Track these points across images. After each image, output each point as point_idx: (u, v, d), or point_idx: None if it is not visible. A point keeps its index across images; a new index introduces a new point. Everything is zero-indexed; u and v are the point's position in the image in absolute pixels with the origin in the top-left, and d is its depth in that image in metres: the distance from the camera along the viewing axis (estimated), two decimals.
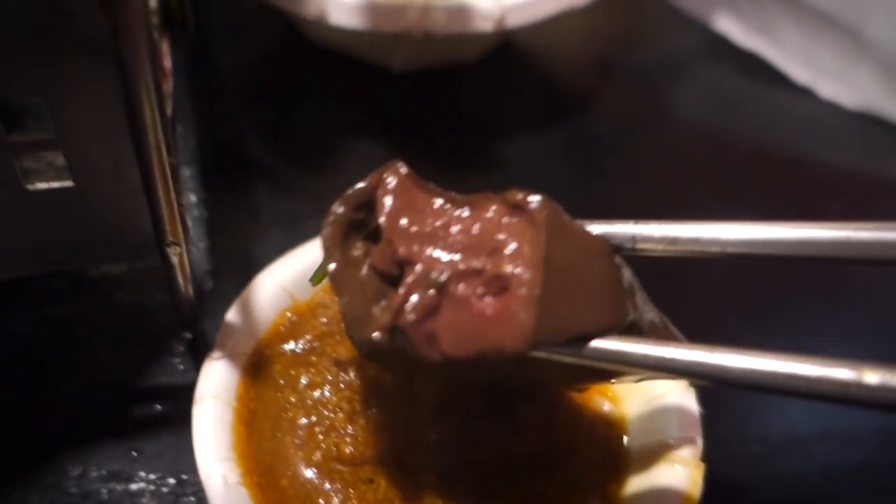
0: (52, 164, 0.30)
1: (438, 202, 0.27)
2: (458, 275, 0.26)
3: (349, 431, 0.32)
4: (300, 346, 0.35)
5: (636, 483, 0.31)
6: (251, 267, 0.42)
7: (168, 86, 0.37)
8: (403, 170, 0.28)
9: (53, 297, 0.41)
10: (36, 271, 0.32)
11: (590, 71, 0.64)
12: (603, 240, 0.27)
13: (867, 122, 0.60)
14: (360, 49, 0.56)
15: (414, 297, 0.26)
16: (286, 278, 0.36)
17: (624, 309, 0.26)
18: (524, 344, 0.24)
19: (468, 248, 0.26)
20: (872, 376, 0.20)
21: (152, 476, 0.35)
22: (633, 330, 0.27)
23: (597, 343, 0.25)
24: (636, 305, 0.27)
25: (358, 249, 0.28)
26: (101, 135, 0.28)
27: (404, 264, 0.27)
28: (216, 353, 0.33)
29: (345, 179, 0.50)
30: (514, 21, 0.51)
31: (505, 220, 0.26)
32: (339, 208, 0.28)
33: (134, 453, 0.36)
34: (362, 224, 0.28)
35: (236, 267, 0.44)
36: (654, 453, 0.32)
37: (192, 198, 0.47)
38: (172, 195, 0.30)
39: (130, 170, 0.29)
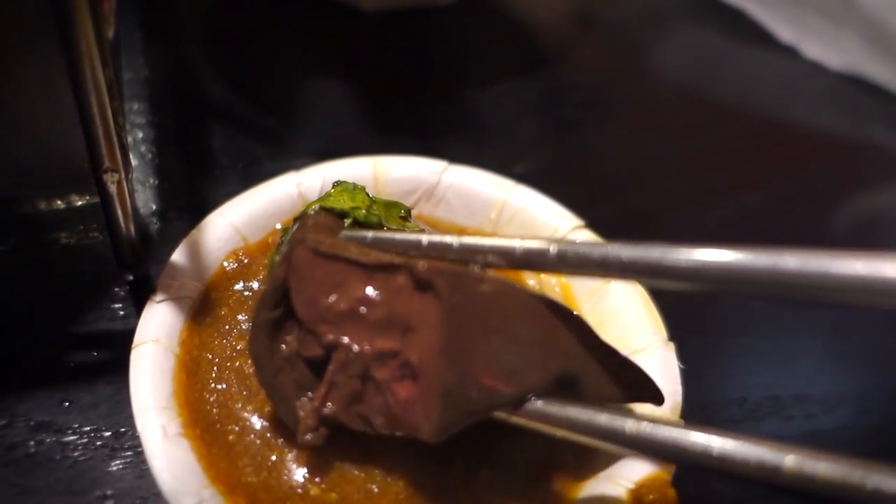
0: None
1: (351, 276, 0.26)
2: (376, 357, 0.25)
3: None
4: (250, 288, 0.32)
5: (606, 457, 0.29)
6: (202, 209, 0.39)
7: (110, 2, 0.34)
8: (308, 246, 0.27)
9: None
10: None
11: (568, 22, 0.62)
12: (530, 297, 0.25)
13: (851, 84, 0.59)
14: None
15: (337, 387, 0.26)
16: (238, 219, 0.33)
17: (548, 369, 0.25)
18: (433, 436, 0.24)
19: (383, 327, 0.25)
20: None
21: (86, 428, 0.32)
22: (566, 384, 0.25)
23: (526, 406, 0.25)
24: (570, 359, 0.25)
25: (287, 345, 0.27)
26: (29, 40, 0.25)
27: (329, 347, 0.26)
28: (159, 296, 0.30)
29: (307, 121, 0.48)
30: None
31: (414, 296, 0.25)
32: (260, 315, 0.27)
33: (66, 403, 0.33)
34: (287, 316, 0.27)
35: (186, 209, 0.41)
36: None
37: (140, 134, 0.44)
38: (109, 113, 0.27)
39: (62, 83, 0.26)
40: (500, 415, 0.25)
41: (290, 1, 0.54)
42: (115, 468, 0.31)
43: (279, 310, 0.27)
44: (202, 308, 0.31)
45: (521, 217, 0.36)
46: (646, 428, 0.21)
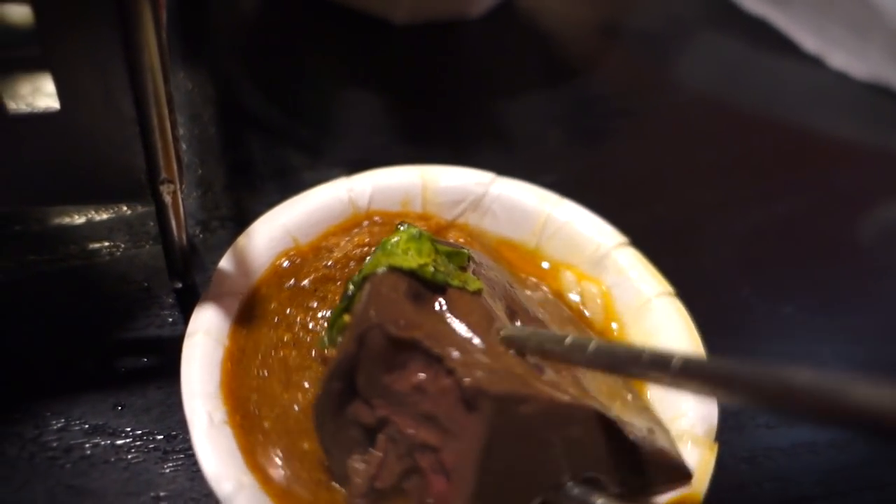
0: (40, 92, 0.28)
1: (413, 359, 0.26)
2: (419, 445, 0.26)
3: None
4: (300, 286, 0.33)
5: None
6: (243, 218, 0.41)
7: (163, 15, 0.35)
8: (382, 331, 0.27)
9: (34, 243, 0.38)
10: (15, 207, 0.30)
11: (595, 33, 0.62)
12: (569, 407, 0.25)
13: (876, 94, 0.59)
14: (361, 0, 0.53)
15: (389, 463, 0.27)
16: (290, 221, 0.34)
17: (577, 469, 0.26)
18: None
19: (428, 419, 0.26)
20: None
21: (139, 431, 0.33)
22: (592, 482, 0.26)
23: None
24: (601, 461, 0.26)
25: (350, 409, 0.28)
26: (92, 55, 0.26)
27: (380, 421, 0.27)
28: (213, 291, 0.31)
29: (341, 131, 0.49)
30: None
31: (459, 404, 0.25)
32: (330, 383, 0.28)
33: (119, 407, 0.34)
34: (352, 385, 0.28)
35: (228, 218, 0.42)
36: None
37: (183, 146, 0.45)
38: (168, 125, 0.28)
39: (122, 96, 0.27)
40: None
41: (324, 15, 0.55)
42: (167, 470, 0.32)
43: (348, 383, 0.28)
44: (252, 302, 0.32)
45: (565, 231, 0.36)
46: None
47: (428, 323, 0.27)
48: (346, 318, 0.29)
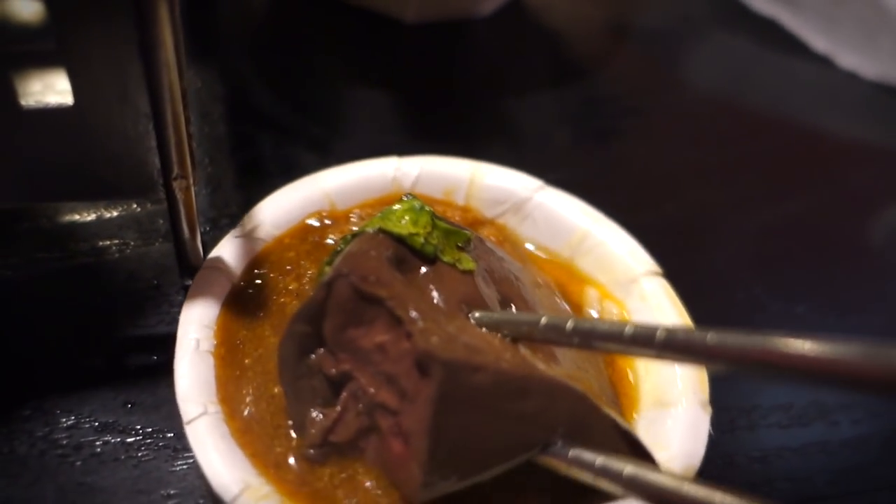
0: (53, 87, 0.28)
1: (379, 319, 0.27)
2: (381, 405, 0.26)
3: None
4: (323, 243, 0.34)
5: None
6: None
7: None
8: (350, 282, 0.27)
9: (45, 240, 0.38)
10: (26, 203, 0.30)
11: (603, 32, 0.62)
12: (527, 378, 0.25)
13: (886, 94, 0.59)
14: None
15: (347, 418, 0.27)
16: (331, 186, 0.36)
17: (538, 439, 0.26)
18: (415, 500, 0.25)
19: (389, 381, 0.26)
20: None
21: (149, 429, 0.33)
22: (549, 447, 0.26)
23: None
24: (559, 432, 0.26)
25: (316, 356, 0.28)
26: (107, 50, 0.26)
27: (346, 376, 0.27)
28: (236, 231, 0.33)
29: (350, 129, 0.49)
30: None
31: (414, 369, 0.25)
32: (294, 325, 0.28)
33: (129, 405, 0.33)
34: (318, 333, 0.28)
35: (238, 216, 0.41)
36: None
37: (194, 144, 0.44)
38: (182, 121, 0.27)
39: (137, 92, 0.27)
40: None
41: (333, 14, 0.55)
42: (178, 468, 0.32)
43: (312, 327, 0.28)
44: (272, 249, 0.33)
45: (600, 250, 0.35)
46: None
47: (399, 286, 0.27)
48: (328, 269, 0.29)
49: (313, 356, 0.28)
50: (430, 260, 0.29)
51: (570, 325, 0.24)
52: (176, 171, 0.29)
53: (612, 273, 0.35)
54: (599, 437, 0.26)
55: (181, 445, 0.32)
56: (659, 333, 0.21)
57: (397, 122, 0.50)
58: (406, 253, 0.29)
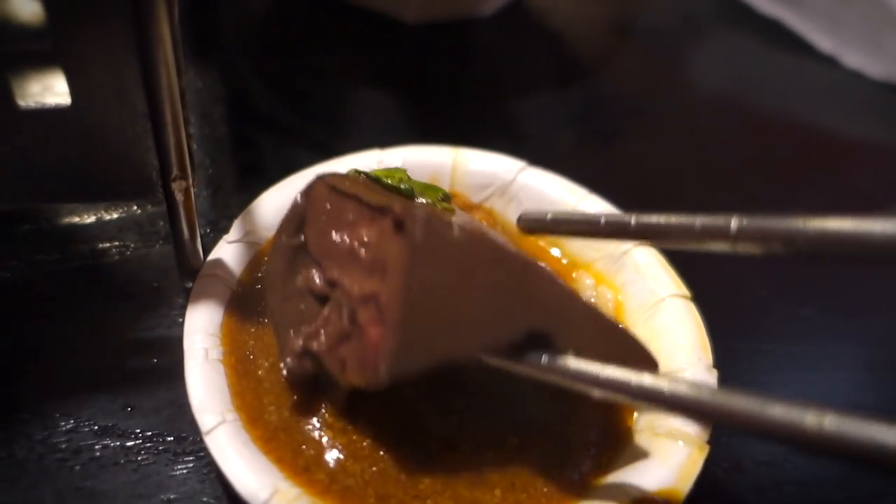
0: (51, 87, 0.28)
1: (359, 217, 0.27)
2: (362, 299, 0.25)
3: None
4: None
5: (632, 453, 0.29)
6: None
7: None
8: (326, 182, 0.28)
9: (44, 242, 0.38)
10: (25, 205, 0.30)
11: (607, 32, 0.62)
12: (504, 249, 0.25)
13: (891, 93, 0.58)
14: None
15: (329, 325, 0.27)
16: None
17: (517, 321, 0.25)
18: (385, 376, 0.24)
19: (371, 269, 0.25)
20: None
21: (149, 433, 0.32)
22: (541, 339, 0.25)
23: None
24: (544, 314, 0.25)
25: (302, 277, 0.28)
26: (105, 50, 0.26)
27: (332, 284, 0.27)
28: (231, 236, 0.33)
29: (351, 130, 0.49)
30: None
31: (393, 238, 0.25)
32: (279, 239, 0.29)
33: (129, 409, 0.33)
34: (303, 247, 0.29)
35: (237, 218, 0.41)
36: (659, 427, 0.29)
37: (193, 145, 0.44)
38: (181, 121, 0.27)
39: (135, 92, 0.27)
40: (527, 369, 0.25)
41: (334, 14, 0.55)
42: (178, 472, 0.31)
43: (297, 239, 0.28)
44: (266, 250, 0.34)
45: None
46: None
47: (372, 191, 0.27)
48: None
49: (299, 276, 0.28)
50: (406, 196, 0.29)
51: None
52: (175, 172, 0.29)
53: (604, 248, 0.35)
54: (584, 331, 0.26)
55: (181, 449, 0.32)
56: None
57: (399, 122, 0.49)
58: (380, 189, 0.29)
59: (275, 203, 0.35)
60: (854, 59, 0.59)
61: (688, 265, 0.34)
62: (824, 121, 0.57)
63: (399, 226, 0.24)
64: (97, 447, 0.32)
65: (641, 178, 0.50)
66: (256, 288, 0.33)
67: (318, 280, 0.28)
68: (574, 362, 0.24)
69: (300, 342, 0.27)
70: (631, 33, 0.62)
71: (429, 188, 0.31)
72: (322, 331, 0.27)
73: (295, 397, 0.30)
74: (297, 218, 0.28)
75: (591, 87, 0.56)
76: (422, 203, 0.27)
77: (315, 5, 0.55)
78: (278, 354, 0.30)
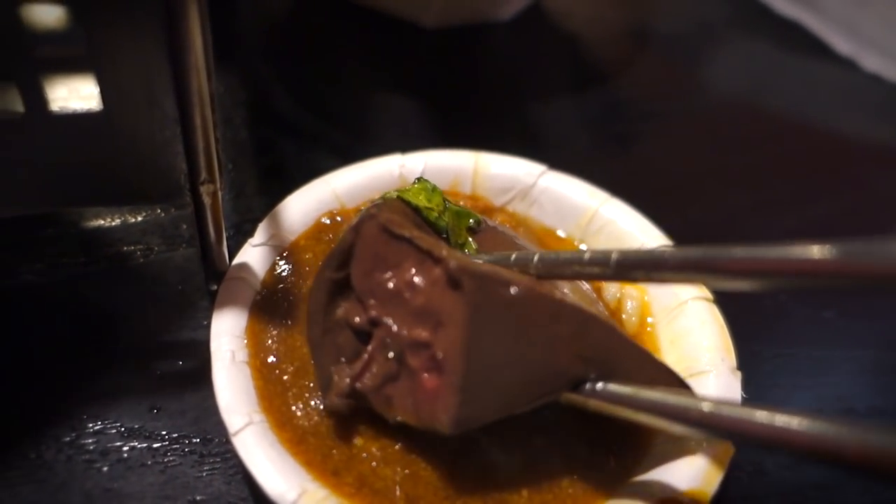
0: (82, 92, 0.28)
1: (407, 259, 0.27)
2: (412, 344, 0.26)
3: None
4: (336, 239, 0.34)
5: (657, 455, 0.29)
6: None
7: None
8: (378, 222, 0.28)
9: (68, 245, 0.38)
10: (53, 209, 0.30)
11: (624, 36, 0.62)
12: (558, 301, 0.26)
13: None
14: (391, 4, 0.53)
15: (375, 365, 0.27)
16: (341, 186, 0.36)
17: (573, 369, 0.26)
18: (450, 429, 0.25)
19: (420, 315, 0.26)
20: None
21: (175, 434, 0.33)
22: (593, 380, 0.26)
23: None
24: (592, 365, 0.26)
25: (342, 309, 0.29)
26: (136, 55, 0.26)
27: (375, 322, 0.27)
28: (256, 239, 0.34)
29: (372, 134, 0.49)
30: None
31: (446, 291, 0.25)
32: (323, 273, 0.29)
33: (155, 410, 0.33)
34: (346, 281, 0.29)
35: (260, 222, 0.41)
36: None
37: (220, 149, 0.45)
38: (210, 125, 0.27)
39: (165, 96, 0.27)
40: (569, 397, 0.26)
41: (354, 19, 0.55)
42: (204, 474, 0.32)
43: (341, 273, 0.29)
44: (290, 253, 0.34)
45: (610, 229, 0.36)
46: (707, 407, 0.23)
47: (423, 233, 0.28)
48: None
49: (340, 309, 0.29)
50: (442, 235, 0.30)
51: (536, 257, 0.27)
52: (203, 175, 0.29)
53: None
54: (632, 370, 0.27)
55: (207, 451, 0.32)
56: (613, 256, 0.24)
57: (419, 126, 0.50)
58: (422, 224, 0.30)
59: (298, 207, 0.35)
60: (873, 61, 0.59)
61: None
62: (842, 124, 0.57)
63: (455, 283, 0.25)
64: (124, 449, 0.32)
65: (660, 182, 0.50)
66: (279, 292, 0.33)
67: (359, 316, 0.28)
68: (624, 389, 0.26)
69: (347, 382, 0.28)
70: (648, 37, 0.62)
71: (462, 216, 0.32)
72: (368, 371, 0.27)
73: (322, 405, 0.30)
74: (343, 254, 0.28)
75: (608, 91, 0.56)
76: (477, 260, 0.27)
77: (334, 10, 0.56)
78: (315, 382, 0.30)
